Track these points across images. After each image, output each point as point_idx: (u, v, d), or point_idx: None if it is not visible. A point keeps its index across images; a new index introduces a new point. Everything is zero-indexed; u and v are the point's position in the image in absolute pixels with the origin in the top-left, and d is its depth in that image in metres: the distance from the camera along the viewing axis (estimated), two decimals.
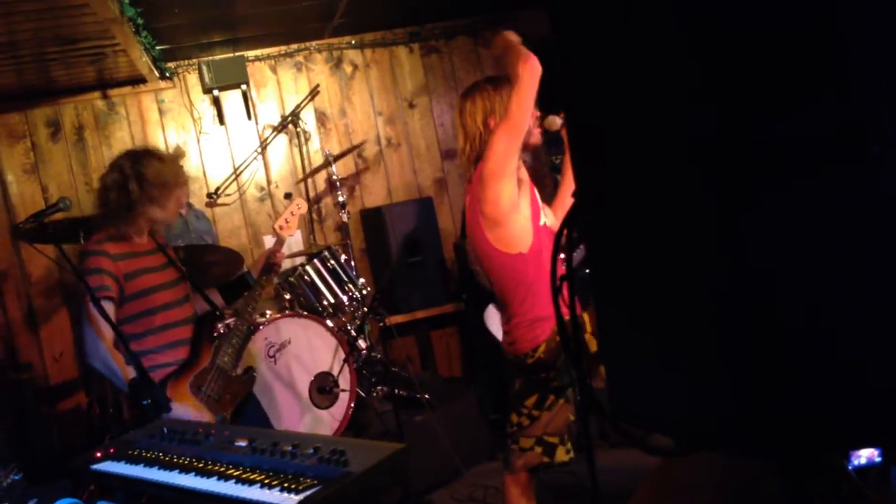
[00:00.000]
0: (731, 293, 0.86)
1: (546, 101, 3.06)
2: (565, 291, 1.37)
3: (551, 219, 3.02)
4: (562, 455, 2.91)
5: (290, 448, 1.94)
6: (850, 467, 1.09)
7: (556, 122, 3.05)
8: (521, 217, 2.86)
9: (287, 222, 3.64)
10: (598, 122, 0.99)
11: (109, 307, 2.93)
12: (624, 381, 1.01)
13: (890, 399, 0.82)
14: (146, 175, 3.02)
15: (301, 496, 1.74)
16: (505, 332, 3.01)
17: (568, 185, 3.17)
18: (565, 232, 1.15)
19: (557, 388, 2.88)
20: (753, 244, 0.84)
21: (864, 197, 0.80)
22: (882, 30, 0.77)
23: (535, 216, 2.91)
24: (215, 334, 3.50)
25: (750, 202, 0.82)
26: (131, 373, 2.93)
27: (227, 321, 3.67)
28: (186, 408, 2.93)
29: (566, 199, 3.08)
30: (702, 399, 0.91)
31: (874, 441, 0.94)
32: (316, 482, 1.78)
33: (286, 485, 1.79)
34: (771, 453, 0.90)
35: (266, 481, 1.84)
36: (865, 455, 1.26)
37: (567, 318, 1.39)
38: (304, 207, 3.82)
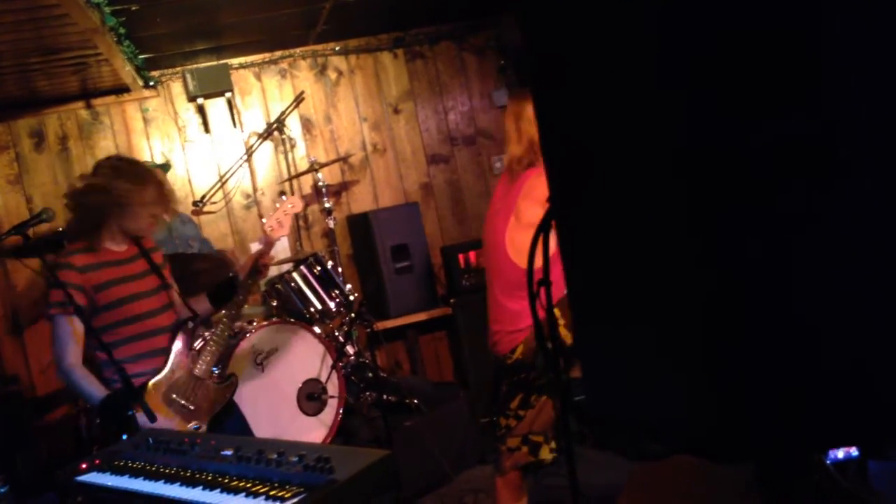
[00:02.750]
0: (704, 297, 0.87)
1: None
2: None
3: None
4: (545, 453, 2.93)
5: (275, 456, 1.94)
6: (828, 462, 1.10)
7: None
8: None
9: (279, 222, 3.36)
10: (570, 126, 1.00)
11: (75, 320, 2.91)
12: (601, 383, 1.02)
13: (864, 400, 0.82)
14: (118, 187, 2.98)
15: None
16: (491, 332, 3.03)
17: None
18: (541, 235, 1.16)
19: (541, 385, 2.91)
20: (727, 248, 0.85)
21: (836, 202, 0.81)
22: (856, 35, 0.78)
23: None
24: (198, 343, 3.48)
25: (724, 206, 0.83)
26: (100, 387, 2.92)
27: (212, 329, 3.62)
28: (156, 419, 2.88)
29: None
30: (676, 402, 0.92)
31: (850, 441, 0.94)
32: (301, 490, 1.78)
33: (272, 493, 1.79)
34: (745, 456, 0.91)
35: (252, 490, 1.84)
36: (843, 450, 1.27)
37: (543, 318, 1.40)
38: (300, 206, 3.52)
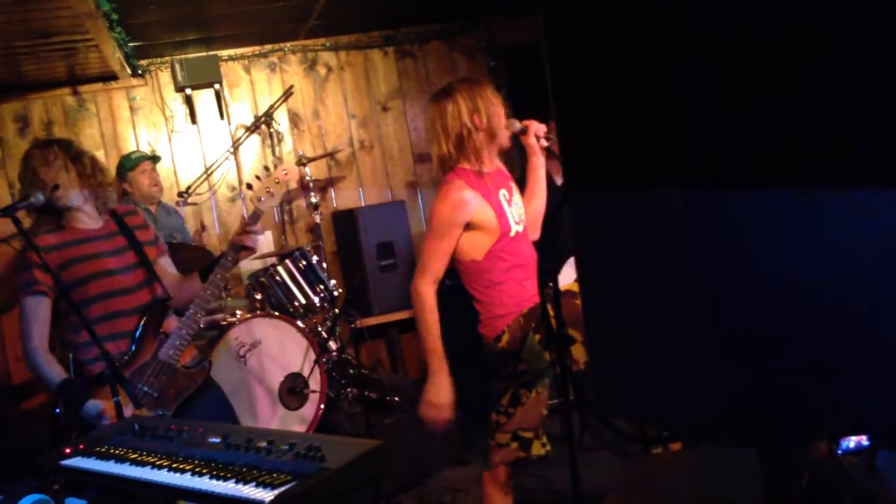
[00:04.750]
0: (715, 285, 0.88)
1: (525, 106, 3.11)
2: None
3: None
4: (538, 449, 2.96)
5: (265, 444, 1.93)
6: (839, 452, 1.10)
7: (514, 124, 3.06)
8: (468, 233, 2.92)
9: (269, 192, 3.04)
10: (588, 111, 1.01)
11: (41, 301, 2.88)
12: (608, 371, 1.03)
13: (874, 389, 0.84)
14: (25, 169, 2.97)
15: (276, 491, 1.73)
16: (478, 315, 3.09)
17: (529, 192, 3.19)
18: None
19: (528, 381, 2.94)
20: (742, 238, 0.86)
21: (853, 192, 0.82)
22: (873, 24, 0.79)
23: (503, 224, 2.92)
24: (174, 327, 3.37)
25: (738, 194, 0.84)
26: (60, 371, 2.88)
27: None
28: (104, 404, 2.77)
29: (528, 205, 3.12)
30: (684, 389, 0.93)
31: (859, 430, 0.96)
32: (291, 478, 1.77)
33: (261, 480, 1.78)
34: (752, 442, 0.92)
35: (241, 477, 1.83)
36: (854, 439, 1.28)
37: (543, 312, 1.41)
38: (295, 173, 3.21)
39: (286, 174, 3.10)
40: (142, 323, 2.99)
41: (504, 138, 3.01)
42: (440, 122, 2.95)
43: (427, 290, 2.92)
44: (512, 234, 2.93)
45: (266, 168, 3.36)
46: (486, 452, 3.06)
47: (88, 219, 3.04)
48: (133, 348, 2.96)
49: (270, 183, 3.06)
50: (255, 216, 3.04)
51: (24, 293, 2.89)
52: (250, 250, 3.04)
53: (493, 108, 2.95)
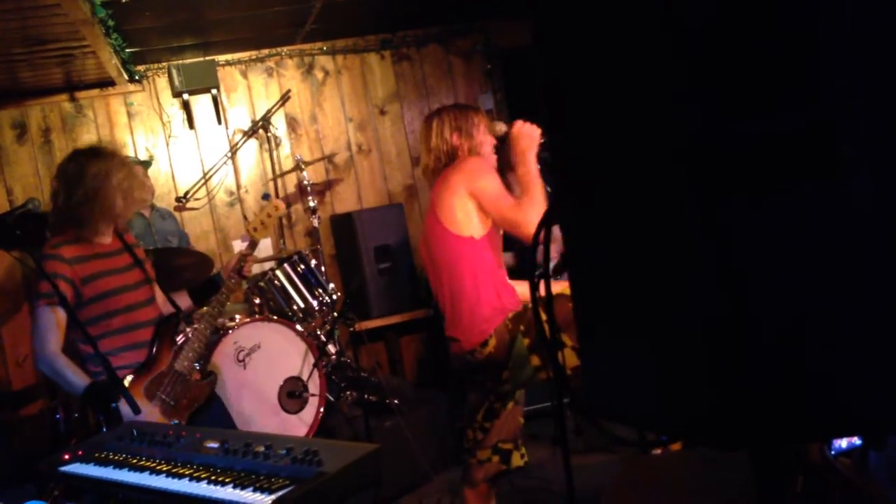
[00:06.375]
0: (706, 290, 0.89)
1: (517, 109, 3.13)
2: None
3: None
4: (517, 460, 2.97)
5: (262, 449, 1.94)
6: (832, 452, 1.11)
7: (499, 127, 3.12)
8: (475, 206, 2.93)
9: (262, 224, 3.43)
10: (578, 122, 1.02)
11: (60, 312, 2.91)
12: (599, 375, 1.04)
13: (864, 390, 0.84)
14: (86, 175, 2.98)
15: (274, 496, 1.74)
16: (449, 335, 3.03)
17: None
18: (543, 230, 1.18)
19: (504, 394, 2.94)
20: (733, 243, 0.87)
21: (839, 199, 0.82)
22: (858, 29, 0.80)
23: None
24: (180, 338, 3.47)
25: (728, 202, 0.85)
26: (84, 376, 2.92)
27: (194, 325, 3.61)
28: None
29: None
30: (675, 391, 0.94)
31: (850, 432, 0.97)
32: (289, 482, 1.78)
33: (259, 485, 1.79)
34: (744, 445, 0.92)
35: (239, 481, 1.84)
36: (846, 440, 1.30)
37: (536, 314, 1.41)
38: (282, 209, 3.62)
39: (276, 210, 3.49)
40: (159, 334, 3.12)
41: (482, 148, 3.09)
42: (425, 136, 3.13)
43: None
44: (500, 231, 3.01)
45: (265, 195, 3.69)
46: (468, 471, 3.06)
47: (103, 235, 3.08)
48: (151, 359, 3.08)
49: (263, 216, 3.42)
50: (252, 245, 3.37)
51: (44, 301, 2.91)
52: (248, 273, 3.37)
53: (479, 135, 3.05)
